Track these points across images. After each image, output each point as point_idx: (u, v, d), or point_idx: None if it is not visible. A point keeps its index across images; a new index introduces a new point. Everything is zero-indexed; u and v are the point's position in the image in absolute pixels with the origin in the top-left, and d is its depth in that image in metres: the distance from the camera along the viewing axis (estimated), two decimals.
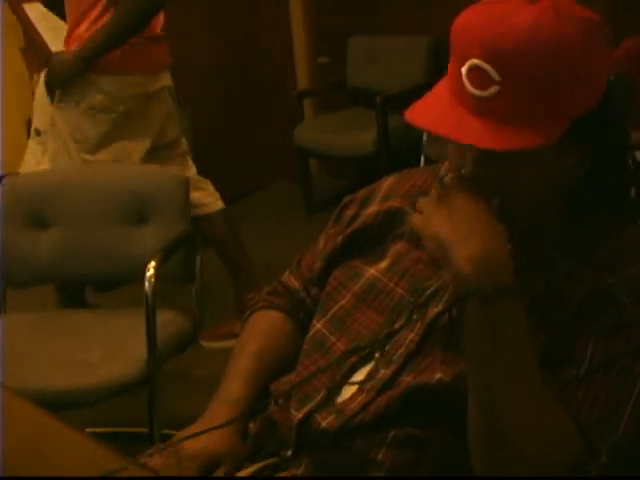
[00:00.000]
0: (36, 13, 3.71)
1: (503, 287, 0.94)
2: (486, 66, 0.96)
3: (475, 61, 0.97)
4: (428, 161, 3.79)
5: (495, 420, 0.95)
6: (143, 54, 2.81)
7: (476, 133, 0.97)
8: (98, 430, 2.56)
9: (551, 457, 0.96)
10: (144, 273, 2.08)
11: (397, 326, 1.13)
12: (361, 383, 1.13)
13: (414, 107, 1.03)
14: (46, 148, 2.83)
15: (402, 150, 4.03)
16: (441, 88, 1.04)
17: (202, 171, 4.05)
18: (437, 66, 4.28)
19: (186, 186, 2.31)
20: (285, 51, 4.90)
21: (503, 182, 1.03)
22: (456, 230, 0.97)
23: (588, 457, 0.97)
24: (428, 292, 1.15)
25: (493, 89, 0.97)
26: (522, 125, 0.97)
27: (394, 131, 4.03)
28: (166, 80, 2.95)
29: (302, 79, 4.95)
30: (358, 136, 4.17)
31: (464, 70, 0.98)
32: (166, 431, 2.21)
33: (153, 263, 2.07)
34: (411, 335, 1.12)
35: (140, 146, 2.79)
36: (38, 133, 2.88)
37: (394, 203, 1.26)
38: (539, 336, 1.02)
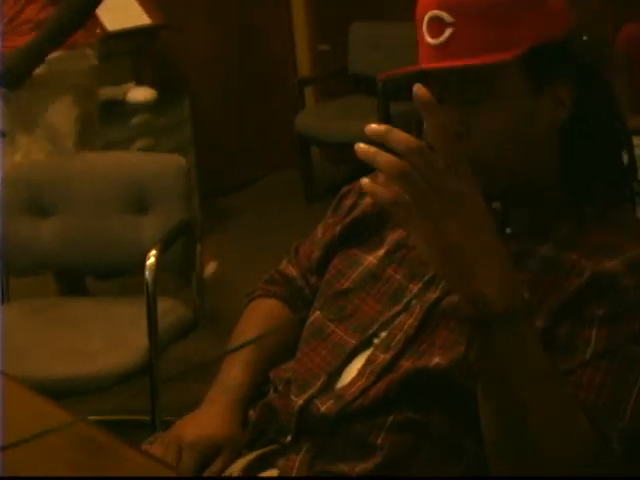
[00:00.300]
0: None
1: (527, 306, 0.90)
2: (438, 12, 1.06)
3: (430, 13, 1.07)
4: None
5: (519, 428, 0.93)
6: None
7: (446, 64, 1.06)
8: (100, 418, 2.57)
9: (572, 453, 0.94)
10: (144, 262, 2.08)
11: (395, 312, 1.14)
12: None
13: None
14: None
15: None
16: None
17: (202, 161, 4.06)
18: None
19: (187, 174, 2.30)
20: (285, 38, 4.89)
21: (485, 133, 1.06)
22: (476, 245, 0.86)
23: (601, 446, 0.96)
24: (426, 277, 1.15)
25: (447, 32, 1.05)
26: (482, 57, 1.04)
27: (396, 118, 4.02)
28: None
29: (303, 66, 4.94)
30: (359, 124, 4.13)
31: (424, 25, 1.08)
32: (167, 418, 2.22)
33: (154, 252, 2.07)
34: (410, 320, 1.12)
35: None
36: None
37: (393, 192, 1.25)
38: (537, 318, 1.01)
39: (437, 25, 1.06)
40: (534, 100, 1.08)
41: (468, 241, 0.85)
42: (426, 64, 1.09)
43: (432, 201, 0.84)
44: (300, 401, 1.14)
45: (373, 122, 3.27)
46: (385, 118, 4.01)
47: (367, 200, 1.29)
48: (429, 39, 1.07)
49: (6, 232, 2.41)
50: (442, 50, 1.06)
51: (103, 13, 3.80)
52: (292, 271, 1.39)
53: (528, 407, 0.91)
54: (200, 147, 4.08)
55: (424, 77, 1.09)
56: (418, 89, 0.84)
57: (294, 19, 4.90)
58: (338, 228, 1.30)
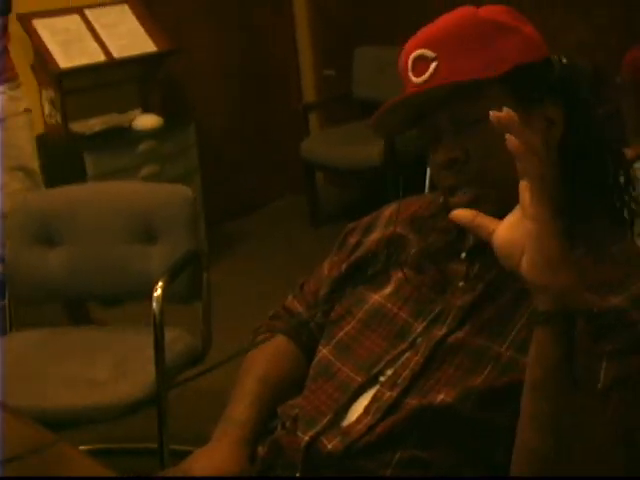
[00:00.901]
0: (45, 28, 3.75)
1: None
2: (421, 51, 1.12)
3: (413, 54, 1.13)
4: None
5: (563, 439, 0.94)
6: None
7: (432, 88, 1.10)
8: (106, 446, 2.57)
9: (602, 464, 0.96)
10: (151, 291, 2.09)
11: (401, 350, 1.15)
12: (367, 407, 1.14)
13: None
14: None
15: (409, 163, 4.04)
16: None
17: (208, 186, 4.08)
18: None
19: (193, 204, 2.32)
20: (291, 64, 4.92)
21: (483, 154, 1.09)
22: (561, 243, 0.92)
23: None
24: (432, 315, 1.16)
25: (432, 67, 1.10)
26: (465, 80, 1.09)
27: (400, 144, 4.04)
28: None
29: (308, 92, 4.97)
30: (365, 149, 4.18)
31: (409, 68, 1.13)
32: (174, 446, 2.22)
33: (161, 283, 2.08)
34: (416, 357, 1.13)
35: None
36: None
37: (397, 229, 1.28)
38: None
39: (421, 64, 1.12)
40: (524, 119, 1.09)
41: (551, 238, 0.90)
42: (410, 92, 1.13)
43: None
44: (306, 438, 1.15)
45: (377, 148, 3.30)
46: (390, 144, 4.03)
47: (372, 237, 1.30)
48: (414, 79, 1.12)
49: (13, 261, 2.43)
50: (426, 85, 1.11)
51: (110, 40, 3.85)
52: (297, 307, 1.40)
53: (575, 413, 0.93)
54: (206, 172, 4.10)
55: (417, 120, 1.13)
56: (494, 115, 0.90)
57: (299, 44, 4.93)
58: (344, 266, 1.31)
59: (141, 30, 3.96)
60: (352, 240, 1.34)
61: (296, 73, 4.95)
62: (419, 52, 1.12)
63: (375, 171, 4.13)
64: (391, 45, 4.50)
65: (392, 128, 1.19)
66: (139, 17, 3.98)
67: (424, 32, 1.15)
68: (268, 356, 1.35)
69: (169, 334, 2.13)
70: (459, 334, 1.12)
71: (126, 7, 4.00)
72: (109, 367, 2.17)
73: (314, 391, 1.21)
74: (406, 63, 1.14)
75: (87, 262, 2.38)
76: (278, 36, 4.84)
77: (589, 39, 3.72)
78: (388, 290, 1.23)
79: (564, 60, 1.15)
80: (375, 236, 1.30)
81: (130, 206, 2.36)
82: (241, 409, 1.28)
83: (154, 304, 2.06)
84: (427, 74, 1.11)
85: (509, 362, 1.06)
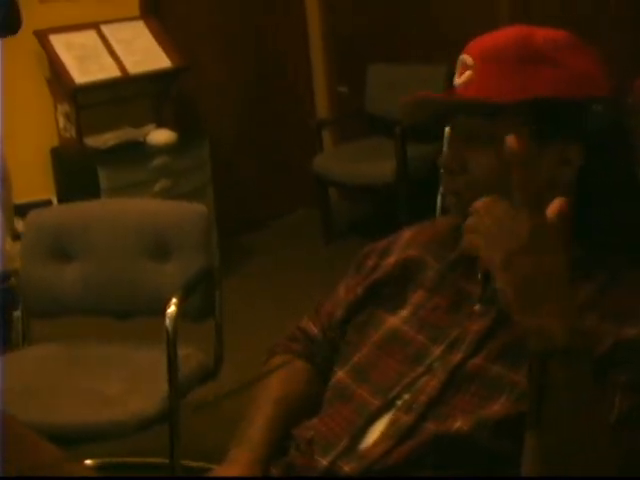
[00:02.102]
0: (61, 44, 3.78)
1: (586, 344, 0.94)
2: (465, 56, 1.16)
3: (461, 57, 1.18)
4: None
5: (565, 464, 0.95)
6: None
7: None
8: (116, 460, 2.58)
9: None
10: (164, 308, 2.10)
11: (417, 374, 1.15)
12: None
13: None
14: None
15: (421, 180, 4.05)
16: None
17: (221, 200, 4.10)
18: None
19: (207, 221, 2.33)
20: (304, 80, 4.94)
21: (477, 172, 1.12)
22: (552, 280, 0.92)
23: None
24: (448, 339, 1.16)
25: (468, 73, 1.15)
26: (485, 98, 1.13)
27: (413, 161, 4.05)
28: None
29: (321, 108, 4.99)
30: (377, 165, 4.19)
31: (457, 65, 1.18)
32: (186, 462, 2.22)
33: (174, 300, 2.09)
34: (432, 382, 1.13)
35: None
36: None
37: (414, 253, 1.28)
38: None
39: (463, 67, 1.17)
40: (535, 152, 1.10)
41: (541, 276, 0.91)
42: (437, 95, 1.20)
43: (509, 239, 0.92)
44: (325, 462, 1.15)
45: (390, 165, 3.33)
46: (402, 160, 4.04)
47: (389, 260, 1.30)
48: (456, 79, 1.18)
49: (28, 276, 2.45)
50: (461, 89, 1.16)
51: (125, 56, 3.88)
52: (313, 329, 1.40)
53: (577, 445, 0.94)
54: (218, 187, 4.12)
55: (442, 120, 1.20)
56: (511, 141, 0.92)
57: (313, 61, 4.95)
58: (360, 289, 1.31)
59: (156, 46, 4.00)
60: (369, 263, 1.34)
61: (310, 89, 4.97)
62: (464, 57, 1.17)
63: (387, 188, 4.14)
64: (403, 63, 4.56)
65: (419, 119, 1.24)
66: (154, 33, 4.01)
67: (479, 40, 1.18)
68: (283, 378, 1.35)
69: (182, 351, 2.13)
70: (476, 361, 1.12)
71: (141, 23, 4.04)
72: (122, 383, 2.18)
73: (330, 414, 1.21)
74: (457, 62, 1.19)
75: (100, 277, 2.39)
76: (292, 53, 4.87)
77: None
78: (404, 313, 1.23)
79: (599, 108, 1.13)
80: (392, 259, 1.30)
81: (144, 223, 2.37)
82: (256, 431, 1.28)
83: (167, 321, 2.07)
84: (463, 78, 1.15)
85: (525, 390, 1.06)
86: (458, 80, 1.17)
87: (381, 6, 4.59)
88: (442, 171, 1.18)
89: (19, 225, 3.69)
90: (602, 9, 3.80)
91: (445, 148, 1.17)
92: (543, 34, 1.15)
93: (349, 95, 4.80)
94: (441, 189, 3.79)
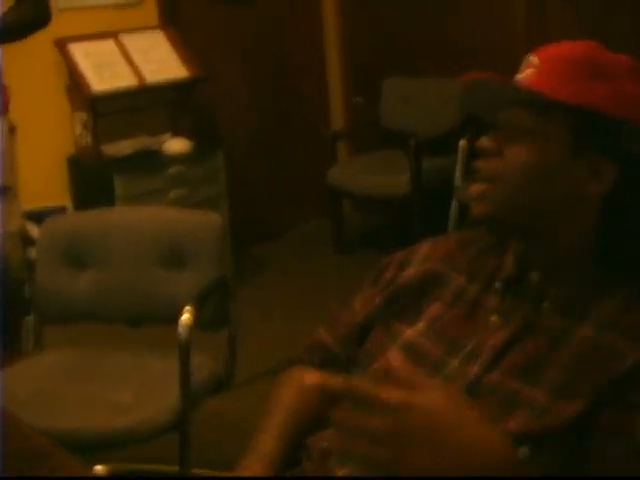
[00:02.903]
0: (81, 52, 3.81)
1: None
2: (532, 56, 1.19)
3: (528, 55, 1.20)
4: (461, 205, 3.81)
5: None
6: None
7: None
8: (127, 467, 2.58)
9: None
10: (177, 316, 2.11)
11: None
12: None
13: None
14: None
15: (435, 193, 4.06)
16: None
17: (235, 210, 4.12)
18: None
19: (222, 231, 2.34)
20: (320, 91, 4.96)
21: (512, 166, 1.14)
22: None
23: None
24: (464, 351, 1.16)
25: (529, 71, 1.17)
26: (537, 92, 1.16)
27: (427, 174, 4.06)
28: None
29: (337, 119, 5.01)
30: (391, 178, 4.20)
31: (523, 63, 1.20)
32: (196, 470, 2.23)
33: (188, 308, 2.10)
34: None
35: None
36: None
37: (432, 266, 1.29)
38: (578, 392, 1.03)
39: (527, 65, 1.19)
40: (571, 161, 1.13)
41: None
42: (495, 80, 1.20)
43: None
44: (340, 473, 1.15)
45: (404, 177, 3.34)
46: (417, 173, 4.05)
47: (407, 273, 1.31)
48: (518, 75, 1.20)
49: (43, 282, 2.46)
50: (519, 83, 1.18)
51: (143, 65, 3.91)
52: (329, 339, 1.39)
53: None
54: (232, 196, 4.14)
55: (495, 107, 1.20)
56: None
57: (329, 73, 4.97)
58: (378, 300, 1.31)
59: (174, 56, 4.02)
60: (388, 274, 1.34)
61: (325, 101, 4.99)
62: (530, 57, 1.20)
63: (401, 200, 4.15)
64: (418, 76, 4.58)
65: (474, 102, 1.26)
66: (172, 43, 4.04)
67: (551, 46, 1.21)
68: (298, 389, 1.36)
69: (195, 360, 2.14)
70: (493, 376, 1.12)
71: (160, 33, 4.07)
72: (133, 390, 2.19)
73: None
74: (524, 60, 1.22)
75: (114, 285, 2.40)
76: (308, 65, 4.89)
77: None
78: (421, 325, 1.23)
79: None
80: (411, 272, 1.31)
81: (159, 231, 2.38)
82: (269, 441, 1.28)
83: (180, 330, 2.07)
84: (525, 74, 1.18)
85: (544, 406, 1.06)
86: (519, 75, 1.19)
87: (397, 19, 4.60)
88: (473, 175, 1.19)
89: (34, 231, 3.73)
90: (619, 21, 3.81)
91: (459, 162, 1.18)
92: (610, 55, 1.19)
93: (364, 107, 4.81)
94: (454, 202, 3.81)
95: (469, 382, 1.13)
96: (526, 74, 1.18)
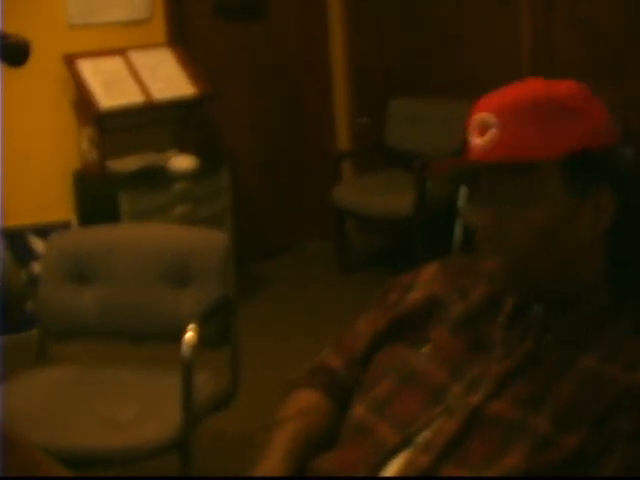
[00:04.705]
0: (88, 69, 3.83)
1: None
2: (485, 114, 1.13)
3: (478, 115, 1.14)
4: (465, 227, 3.82)
5: None
6: None
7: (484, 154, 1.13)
8: None
9: None
10: (181, 334, 2.11)
11: (436, 412, 1.15)
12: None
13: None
14: None
15: (439, 214, 4.06)
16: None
17: (239, 227, 4.12)
18: None
19: (227, 250, 2.34)
20: (326, 111, 4.97)
21: (519, 232, 1.11)
22: None
23: None
24: (468, 378, 1.16)
25: (491, 132, 1.12)
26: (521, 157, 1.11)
27: (432, 195, 4.06)
28: None
29: (342, 139, 5.02)
30: (396, 198, 4.20)
31: (473, 124, 1.15)
32: None
33: (192, 326, 2.10)
34: (451, 423, 1.13)
35: None
36: None
37: (438, 289, 1.28)
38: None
39: (483, 127, 1.13)
40: (574, 206, 1.11)
41: None
42: (469, 155, 1.15)
43: None
44: None
45: (408, 198, 3.34)
46: (421, 194, 4.06)
47: (412, 296, 1.30)
48: (475, 139, 1.14)
49: (46, 297, 2.46)
50: (485, 149, 1.13)
51: (150, 82, 3.93)
52: (334, 361, 1.38)
53: None
54: (237, 213, 4.15)
55: (470, 176, 1.16)
56: None
57: (335, 92, 4.99)
58: (383, 322, 1.31)
59: (181, 73, 4.04)
60: (392, 297, 1.34)
61: (331, 121, 5.00)
62: (482, 115, 1.14)
63: (405, 221, 4.15)
64: (424, 97, 4.59)
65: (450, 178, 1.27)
66: (179, 60, 4.06)
67: (493, 97, 1.16)
68: (303, 411, 1.35)
69: (197, 377, 2.14)
70: (495, 405, 1.11)
71: (167, 50, 4.09)
72: (136, 408, 2.18)
73: (348, 448, 1.21)
74: (471, 121, 1.16)
75: (118, 301, 2.41)
76: (314, 83, 4.90)
77: (619, 100, 3.74)
78: (426, 350, 1.23)
79: (629, 153, 1.15)
80: (416, 295, 1.30)
81: (164, 248, 2.39)
82: (272, 463, 1.27)
83: (184, 348, 2.07)
84: (486, 137, 1.12)
85: (547, 438, 1.05)
86: (479, 140, 1.13)
87: (404, 41, 4.62)
88: (478, 240, 1.16)
89: (39, 246, 3.73)
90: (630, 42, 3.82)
91: (471, 211, 1.14)
92: (560, 87, 1.15)
93: (369, 127, 4.83)
94: (458, 223, 3.82)
95: (470, 410, 1.12)
96: (490, 138, 1.12)
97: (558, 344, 1.12)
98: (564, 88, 1.15)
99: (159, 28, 4.19)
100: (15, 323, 3.38)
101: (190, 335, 2.10)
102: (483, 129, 1.13)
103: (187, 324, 2.13)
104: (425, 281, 1.32)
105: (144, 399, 2.23)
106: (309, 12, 4.81)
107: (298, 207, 4.87)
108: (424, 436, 1.14)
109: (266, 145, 4.74)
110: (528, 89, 1.15)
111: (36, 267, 3.61)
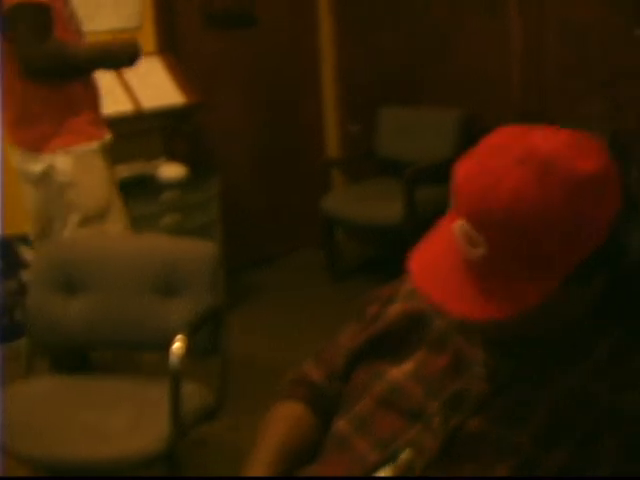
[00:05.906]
0: None
1: None
2: (468, 226, 1.01)
3: (464, 224, 1.02)
4: None
5: None
6: None
7: (467, 302, 1.03)
8: None
9: None
10: (169, 344, 2.10)
11: (416, 431, 1.14)
12: None
13: (419, 252, 1.11)
14: None
15: (429, 222, 4.06)
16: (444, 230, 1.08)
17: (229, 235, 4.12)
18: (467, 140, 4.34)
19: (216, 260, 2.34)
20: (315, 119, 4.98)
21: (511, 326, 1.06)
22: None
23: None
24: (447, 396, 1.14)
25: (480, 250, 1.01)
26: (512, 286, 1.01)
27: (421, 203, 4.06)
28: None
29: (332, 147, 5.03)
30: (385, 206, 4.20)
31: (456, 227, 1.03)
32: None
33: (180, 336, 2.09)
34: (432, 442, 1.12)
35: None
36: None
37: (418, 305, 1.26)
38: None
39: (469, 237, 1.02)
40: (565, 291, 1.04)
41: None
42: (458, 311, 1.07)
43: None
44: None
45: (398, 206, 3.29)
46: (410, 203, 4.06)
47: (392, 310, 1.28)
48: (462, 243, 1.03)
49: (35, 307, 2.45)
50: (475, 263, 1.03)
51: (140, 91, 3.92)
52: (315, 374, 1.38)
53: None
54: (226, 222, 4.14)
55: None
56: None
57: (325, 101, 4.99)
58: (363, 337, 1.29)
59: (170, 82, 4.04)
60: (372, 310, 1.32)
61: (321, 129, 5.01)
62: (467, 227, 1.01)
63: (395, 229, 4.15)
64: (414, 106, 4.60)
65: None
66: (169, 69, 4.06)
67: (476, 197, 1.00)
68: (285, 423, 1.34)
69: (185, 388, 2.13)
70: (476, 421, 1.10)
71: (157, 59, 4.08)
72: (124, 419, 2.18)
73: (329, 463, 1.20)
74: (456, 224, 1.04)
75: (107, 311, 2.40)
76: (304, 92, 4.91)
77: (608, 110, 3.76)
78: (406, 367, 1.21)
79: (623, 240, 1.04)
80: (396, 308, 1.28)
81: (153, 258, 2.38)
82: (259, 472, 1.27)
83: (172, 358, 2.07)
84: (474, 253, 1.02)
85: (530, 457, 1.05)
86: (466, 248, 1.02)
87: (394, 49, 4.63)
88: None
89: (28, 254, 3.72)
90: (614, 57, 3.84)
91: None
92: (546, 150, 1.00)
93: (359, 136, 4.83)
94: None
95: (452, 428, 1.11)
96: (478, 252, 1.01)
97: (540, 363, 1.11)
98: (559, 196, 0.98)
99: (149, 37, 4.18)
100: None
101: (178, 345, 2.09)
102: (471, 241, 1.02)
103: (175, 334, 2.12)
104: (405, 294, 1.29)
105: (133, 409, 2.22)
106: (299, 20, 4.82)
107: (288, 216, 4.87)
108: (405, 454, 1.13)
109: (256, 153, 4.74)
110: (518, 202, 0.98)
111: (25, 276, 3.60)
